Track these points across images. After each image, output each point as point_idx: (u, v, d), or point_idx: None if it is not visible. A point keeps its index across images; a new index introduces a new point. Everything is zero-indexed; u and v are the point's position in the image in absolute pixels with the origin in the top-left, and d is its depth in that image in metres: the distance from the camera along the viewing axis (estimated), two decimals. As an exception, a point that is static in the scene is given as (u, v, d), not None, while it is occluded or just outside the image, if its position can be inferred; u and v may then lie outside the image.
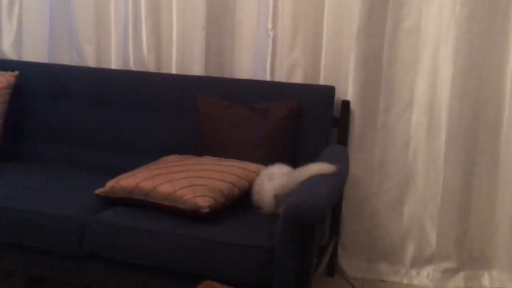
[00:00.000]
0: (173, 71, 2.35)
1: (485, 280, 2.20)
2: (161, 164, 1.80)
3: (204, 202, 1.54)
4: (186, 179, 1.63)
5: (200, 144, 2.11)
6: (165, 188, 1.60)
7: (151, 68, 2.36)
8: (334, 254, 2.23)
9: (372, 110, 2.18)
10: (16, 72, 2.25)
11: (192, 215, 1.56)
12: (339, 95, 2.15)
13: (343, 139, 2.15)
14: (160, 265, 1.55)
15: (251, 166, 1.84)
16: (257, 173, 1.83)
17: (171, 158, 1.91)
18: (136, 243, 1.55)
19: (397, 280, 2.24)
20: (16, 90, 2.24)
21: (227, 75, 2.32)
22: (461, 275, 2.20)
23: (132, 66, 2.38)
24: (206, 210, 1.53)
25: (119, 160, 2.17)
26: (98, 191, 1.71)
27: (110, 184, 1.68)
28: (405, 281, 2.24)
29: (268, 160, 1.96)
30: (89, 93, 2.28)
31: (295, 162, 2.04)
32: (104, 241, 1.59)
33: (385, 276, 2.26)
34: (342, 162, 1.80)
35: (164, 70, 2.37)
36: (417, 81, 2.14)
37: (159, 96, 2.22)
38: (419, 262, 2.24)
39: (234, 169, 1.78)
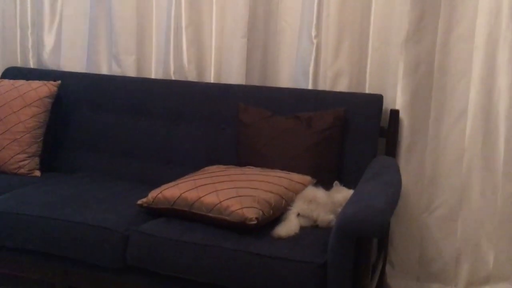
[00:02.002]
0: (214, 80, 2.30)
1: (548, 304, 2.03)
2: (205, 174, 1.73)
3: (251, 213, 1.46)
4: (232, 190, 1.56)
5: (241, 154, 2.04)
6: (210, 198, 1.53)
7: (192, 77, 2.31)
8: (382, 273, 2.10)
9: (422, 120, 2.06)
10: (58, 82, 2.24)
11: (239, 227, 1.49)
12: (386, 104, 2.06)
13: (392, 150, 2.04)
14: (205, 279, 1.46)
15: (298, 177, 1.76)
16: (304, 184, 1.75)
17: (214, 168, 1.85)
18: (181, 256, 1.48)
19: (450, 304, 2.10)
20: (57, 100, 2.23)
21: (268, 84, 2.26)
22: (520, 298, 2.04)
23: (172, 75, 2.34)
24: (254, 222, 1.45)
25: (159, 170, 2.12)
26: (141, 201, 1.65)
27: (153, 194, 1.62)
28: (458, 304, 2.09)
29: (312, 171, 1.88)
30: (129, 103, 2.25)
31: (341, 173, 1.97)
32: (147, 254, 1.52)
33: (436, 299, 2.11)
34: (393, 174, 1.69)
35: (205, 79, 2.32)
36: (471, 89, 2.01)
37: (200, 105, 2.17)
38: (474, 283, 2.08)
39: (281, 180, 1.70)
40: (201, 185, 1.59)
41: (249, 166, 1.90)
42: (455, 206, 2.07)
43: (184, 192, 1.57)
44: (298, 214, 1.62)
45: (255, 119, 2.04)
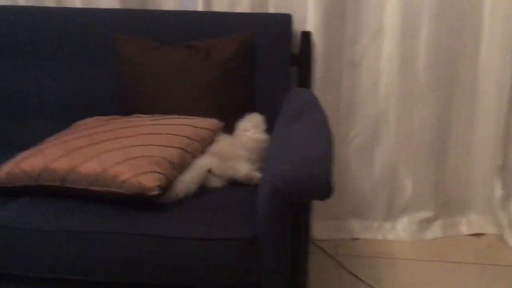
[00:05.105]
0: (78, 4, 1.77)
1: (463, 226, 1.99)
2: (79, 131, 1.29)
3: (151, 180, 1.09)
4: (120, 151, 1.16)
5: (124, 100, 1.61)
6: (90, 166, 1.11)
7: (50, 2, 1.76)
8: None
9: (336, 42, 1.79)
10: None
11: (135, 201, 1.11)
12: (295, 26, 1.74)
13: (305, 80, 1.75)
14: (95, 277, 1.08)
15: (203, 122, 1.40)
16: (211, 130, 1.40)
17: (90, 122, 1.40)
18: (55, 251, 1.07)
19: (370, 237, 1.97)
20: None
21: (150, 7, 1.80)
22: (437, 224, 1.98)
23: (20, -1, 1.77)
24: (156, 192, 1.08)
25: (11, 129, 1.62)
26: (-11, 179, 1.18)
27: (6, 168, 1.16)
28: (379, 236, 1.97)
29: (217, 113, 1.53)
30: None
31: (251, 113, 1.65)
32: (6, 253, 1.08)
33: (356, 233, 1.98)
34: (317, 110, 1.40)
35: (67, 3, 1.78)
36: (388, 5, 1.76)
37: (63, 38, 1.66)
38: (393, 214, 1.98)
39: (182, 128, 1.33)
40: (75, 149, 1.16)
41: (137, 115, 1.49)
42: (372, 136, 1.89)
43: (51, 161, 1.13)
44: (209, 171, 1.29)
45: (137, 52, 1.61)
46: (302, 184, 0.94)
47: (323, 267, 1.77)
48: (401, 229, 1.97)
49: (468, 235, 1.96)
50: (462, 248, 1.88)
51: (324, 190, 0.93)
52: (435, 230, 1.97)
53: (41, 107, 1.64)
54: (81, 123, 1.40)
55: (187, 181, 1.18)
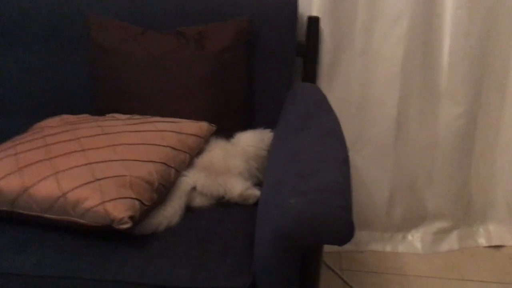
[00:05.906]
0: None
1: (481, 238, 1.79)
2: (36, 138, 1.04)
3: (121, 209, 0.85)
4: (84, 168, 0.92)
5: (99, 95, 1.37)
6: (45, 189, 0.88)
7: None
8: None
9: (347, 29, 1.54)
10: None
11: (101, 233, 0.88)
12: (301, 11, 1.49)
13: (311, 73, 1.52)
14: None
15: (190, 127, 1.16)
16: (200, 137, 1.17)
17: (52, 124, 1.15)
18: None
19: (378, 249, 1.76)
20: None
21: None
22: (454, 234, 1.77)
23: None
24: (127, 225, 0.85)
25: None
26: None
27: None
28: (388, 248, 1.77)
29: (210, 114, 1.30)
30: None
31: (250, 113, 1.42)
32: None
33: (364, 245, 1.77)
34: (328, 114, 1.17)
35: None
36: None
37: (27, 20, 1.41)
38: (406, 225, 1.77)
39: (164, 135, 1.09)
40: (28, 165, 0.92)
41: (111, 115, 1.25)
42: (389, 140, 1.65)
43: (-3, 180, 0.90)
44: (195, 189, 1.06)
45: (115, 37, 1.36)
46: (316, 226, 0.71)
47: (326, 285, 1.57)
48: (413, 240, 1.76)
49: (486, 247, 1.76)
50: (480, 263, 1.68)
51: (345, 234, 0.70)
52: (451, 242, 1.77)
53: (3, 99, 1.40)
54: (41, 125, 1.16)
55: (169, 214, 0.95)
